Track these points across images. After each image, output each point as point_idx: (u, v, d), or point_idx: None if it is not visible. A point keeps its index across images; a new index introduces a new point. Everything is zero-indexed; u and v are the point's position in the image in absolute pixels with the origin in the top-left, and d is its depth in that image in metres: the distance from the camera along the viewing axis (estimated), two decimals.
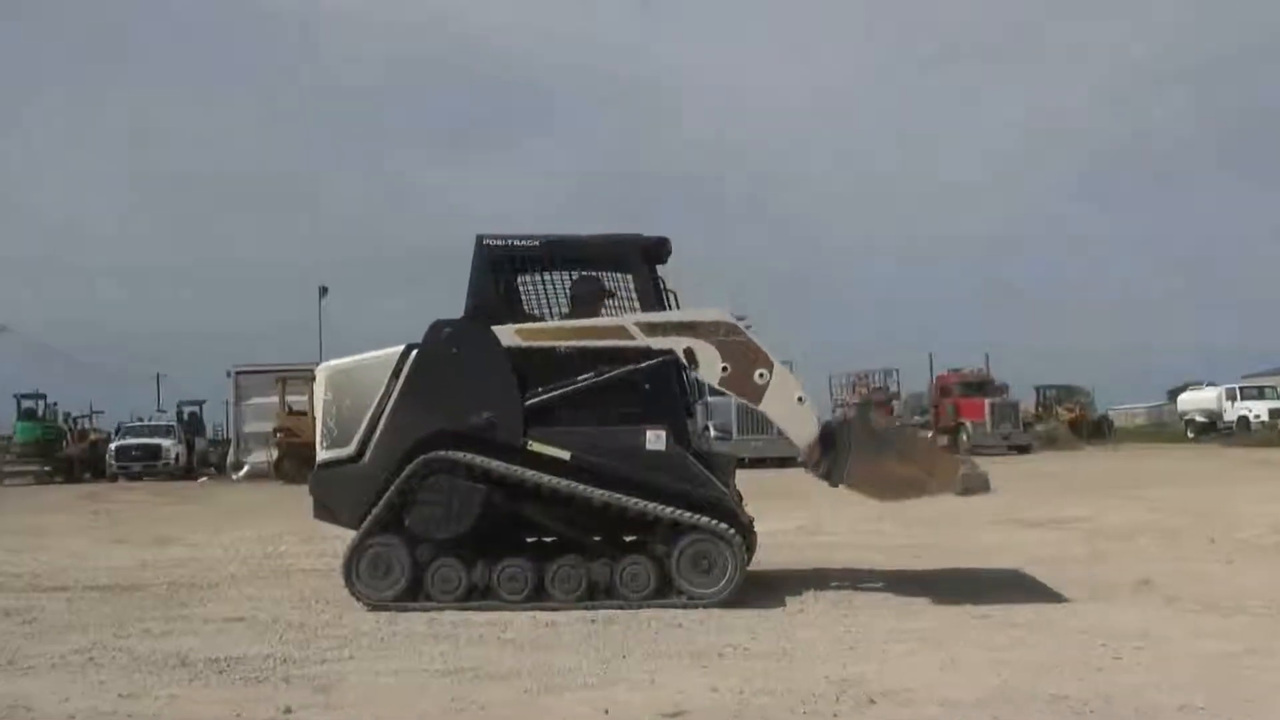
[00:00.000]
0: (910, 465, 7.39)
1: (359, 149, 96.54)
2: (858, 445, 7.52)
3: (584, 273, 8.24)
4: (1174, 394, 51.22)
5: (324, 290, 41.72)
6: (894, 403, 43.62)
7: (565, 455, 7.58)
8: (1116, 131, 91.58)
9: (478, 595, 7.57)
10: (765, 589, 7.68)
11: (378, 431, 7.79)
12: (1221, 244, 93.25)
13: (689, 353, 7.66)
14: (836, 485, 7.73)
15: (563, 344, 7.77)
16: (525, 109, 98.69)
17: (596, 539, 7.80)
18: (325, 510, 8.03)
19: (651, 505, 7.49)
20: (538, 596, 7.53)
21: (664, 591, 7.49)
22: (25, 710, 5.21)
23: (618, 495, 7.51)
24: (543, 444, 7.60)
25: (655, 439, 7.57)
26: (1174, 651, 5.84)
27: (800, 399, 7.77)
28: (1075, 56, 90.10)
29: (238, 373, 33.18)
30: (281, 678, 5.73)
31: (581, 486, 7.52)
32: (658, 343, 7.68)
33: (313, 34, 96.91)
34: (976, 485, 7.20)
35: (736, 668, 5.71)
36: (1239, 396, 42.45)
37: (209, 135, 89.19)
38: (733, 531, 7.49)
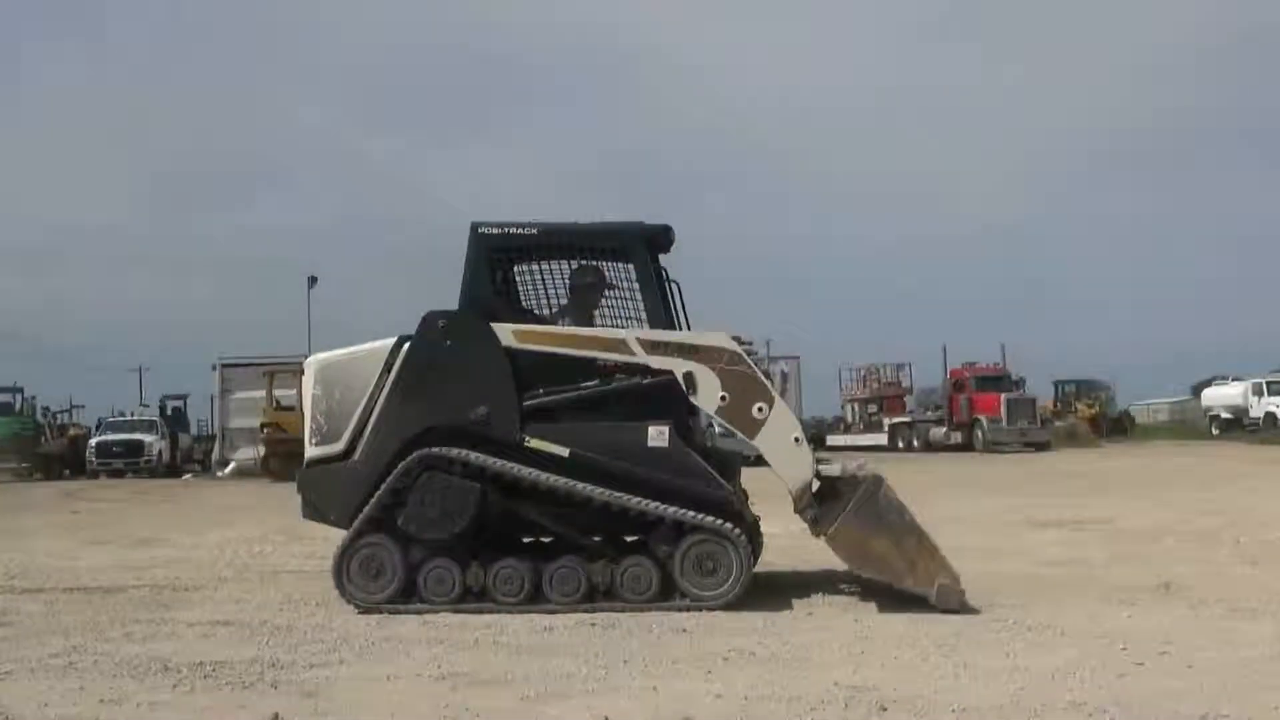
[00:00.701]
0: (896, 551, 7.18)
1: (352, 132, 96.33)
2: (856, 510, 7.28)
3: (583, 262, 8.01)
4: (1198, 389, 51.03)
5: (313, 280, 41.44)
6: (905, 398, 43.46)
7: (564, 452, 7.38)
8: (1138, 115, 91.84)
9: (472, 597, 7.38)
10: (772, 592, 7.54)
11: (368, 427, 7.59)
12: (1252, 231, 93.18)
13: (688, 377, 7.46)
14: (819, 536, 7.52)
15: (561, 350, 7.57)
16: (523, 92, 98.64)
17: (596, 539, 7.61)
18: (314, 509, 7.82)
19: (653, 504, 7.30)
20: (535, 599, 7.34)
21: (666, 593, 7.31)
22: (3, 717, 5.05)
23: (618, 494, 7.31)
24: (540, 440, 7.40)
25: (658, 435, 7.38)
26: (1198, 657, 5.69)
27: (797, 439, 7.58)
28: (1096, 38, 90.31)
29: (223, 366, 32.89)
30: (269, 683, 5.57)
31: (581, 485, 7.33)
32: (658, 362, 7.48)
33: (303, 13, 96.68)
34: (949, 601, 7.01)
35: (741, 673, 5.57)
36: (1266, 392, 41.96)
37: (193, 119, 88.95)
38: (738, 532, 7.31)
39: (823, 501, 7.57)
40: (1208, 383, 48.88)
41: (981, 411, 37.86)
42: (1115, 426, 45.77)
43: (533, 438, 7.41)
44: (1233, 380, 45.56)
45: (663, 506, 7.29)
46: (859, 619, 6.87)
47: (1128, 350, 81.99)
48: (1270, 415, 40.71)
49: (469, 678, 5.58)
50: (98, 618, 7.55)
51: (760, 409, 7.46)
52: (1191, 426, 49.00)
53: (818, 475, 7.67)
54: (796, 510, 7.65)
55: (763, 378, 7.65)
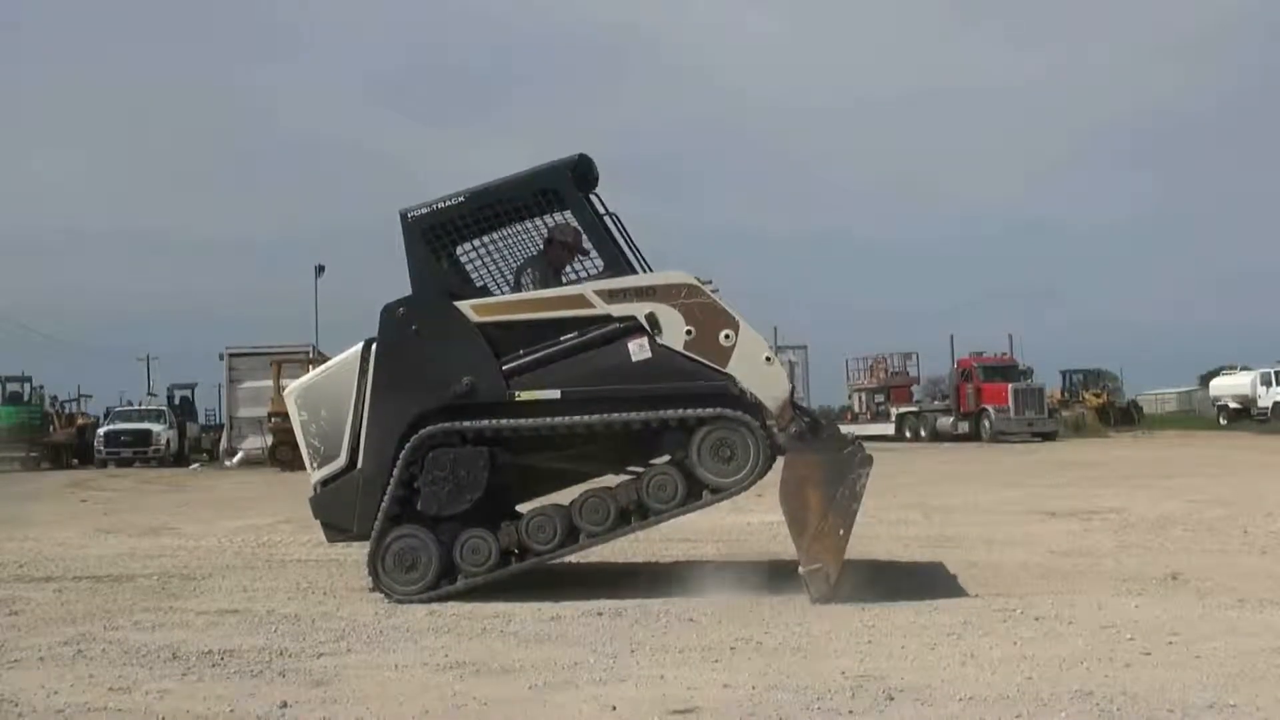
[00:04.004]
0: (818, 516, 7.08)
1: (357, 120, 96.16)
2: (828, 460, 7.26)
3: (523, 224, 7.98)
4: (1206, 378, 50.83)
5: (320, 269, 41.51)
6: (912, 388, 43.37)
7: (556, 394, 7.37)
8: (1141, 106, 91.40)
9: (511, 558, 7.41)
10: (779, 581, 7.50)
11: (363, 433, 7.60)
12: (1257, 218, 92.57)
13: (651, 318, 7.41)
14: (782, 451, 7.46)
15: (521, 316, 7.57)
16: (524, 73, 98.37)
17: (612, 464, 7.68)
18: (336, 529, 7.82)
19: (656, 413, 7.30)
20: (570, 539, 7.39)
21: (692, 495, 7.32)
22: (12, 705, 5.05)
23: (619, 415, 7.31)
24: (530, 390, 7.41)
25: (639, 348, 7.36)
26: (1206, 647, 5.67)
27: (768, 358, 7.56)
28: (1096, 35, 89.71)
29: (231, 355, 32.86)
30: (277, 671, 5.58)
31: (582, 418, 7.33)
32: (618, 309, 7.44)
33: (305, 8, 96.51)
34: (815, 585, 6.97)
35: (749, 662, 5.57)
36: (1274, 381, 41.84)
37: (201, 106, 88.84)
38: (743, 414, 7.28)
39: (816, 437, 7.57)
40: (1216, 372, 48.73)
41: (989, 401, 37.77)
42: (1123, 416, 45.63)
43: (521, 391, 7.41)
44: (1241, 370, 45.38)
45: (666, 413, 7.29)
46: (866, 608, 6.84)
47: (1135, 340, 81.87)
48: (1278, 405, 40.50)
49: (477, 667, 5.58)
50: (106, 606, 7.57)
51: (727, 336, 7.41)
52: (1199, 416, 48.87)
53: (821, 422, 7.63)
54: (780, 428, 7.58)
55: (724, 305, 7.52)
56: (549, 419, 7.36)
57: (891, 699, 4.84)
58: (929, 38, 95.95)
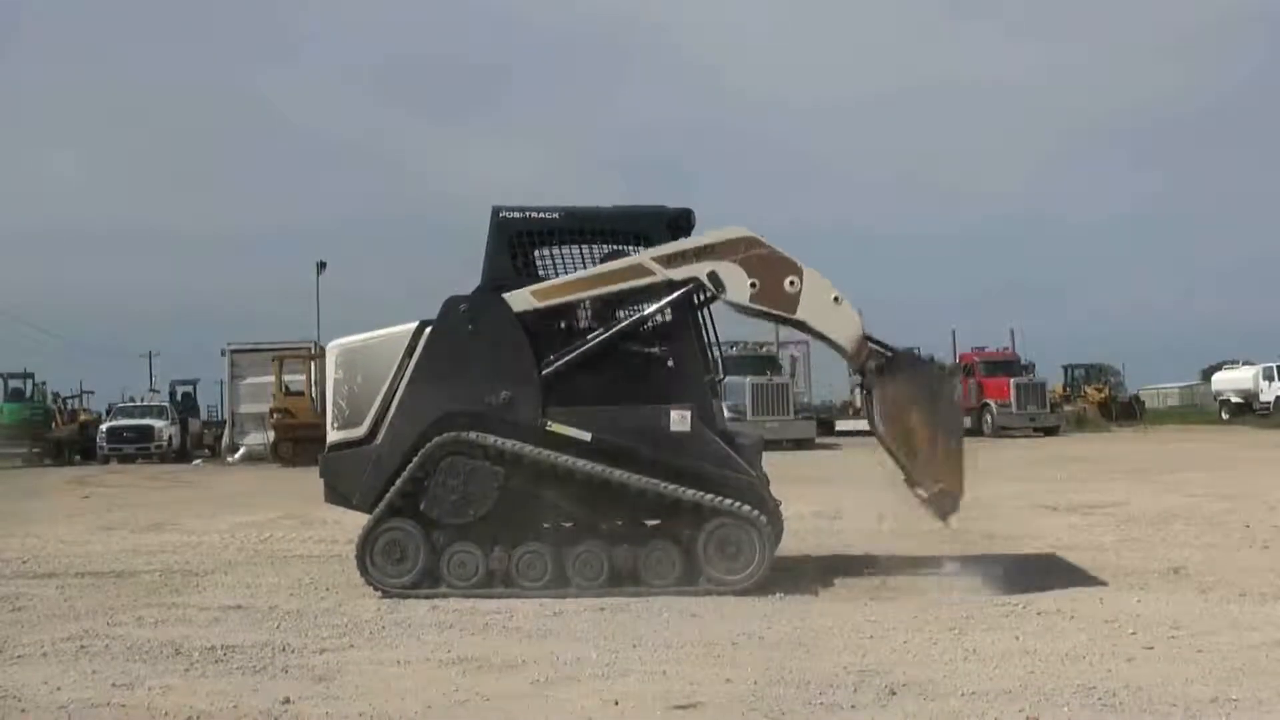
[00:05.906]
0: (926, 437, 7.00)
1: (360, 117, 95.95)
2: (917, 376, 7.19)
3: (605, 246, 7.94)
4: (1208, 373, 50.68)
5: (322, 265, 41.31)
6: None
7: (586, 436, 7.34)
8: (1139, 100, 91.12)
9: (495, 582, 7.37)
10: (782, 576, 7.52)
11: (390, 411, 7.59)
12: (1258, 214, 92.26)
13: (713, 276, 7.44)
14: (866, 390, 7.48)
15: (581, 295, 7.56)
16: (524, 70, 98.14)
17: (619, 523, 7.58)
18: (336, 494, 7.83)
19: (677, 489, 7.25)
20: (558, 583, 7.32)
21: (689, 578, 7.27)
22: (15, 700, 5.08)
23: (641, 478, 7.25)
24: (562, 425, 7.38)
25: (680, 419, 7.35)
26: (1208, 641, 5.69)
27: (836, 299, 7.51)
28: (1097, 29, 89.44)
29: (233, 351, 32.78)
30: (280, 667, 5.60)
31: (604, 469, 7.28)
32: (679, 273, 7.47)
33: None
34: (942, 506, 6.93)
35: (751, 657, 5.58)
36: (1275, 376, 41.68)
37: (201, 103, 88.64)
38: (760, 516, 7.28)
39: (894, 364, 7.52)
40: (1217, 367, 48.59)
41: (991, 396, 37.65)
42: (1125, 411, 45.46)
43: (554, 421, 7.39)
44: (1243, 364, 45.21)
45: (686, 491, 7.25)
46: (868, 603, 6.87)
47: (1137, 335, 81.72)
48: None
49: (480, 662, 5.59)
50: (109, 602, 7.58)
51: (792, 282, 7.44)
52: (1201, 411, 48.73)
53: (894, 350, 7.59)
54: (856, 366, 7.63)
55: (784, 253, 7.51)
56: (573, 460, 7.30)
57: (894, 694, 4.85)
58: (929, 34, 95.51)
